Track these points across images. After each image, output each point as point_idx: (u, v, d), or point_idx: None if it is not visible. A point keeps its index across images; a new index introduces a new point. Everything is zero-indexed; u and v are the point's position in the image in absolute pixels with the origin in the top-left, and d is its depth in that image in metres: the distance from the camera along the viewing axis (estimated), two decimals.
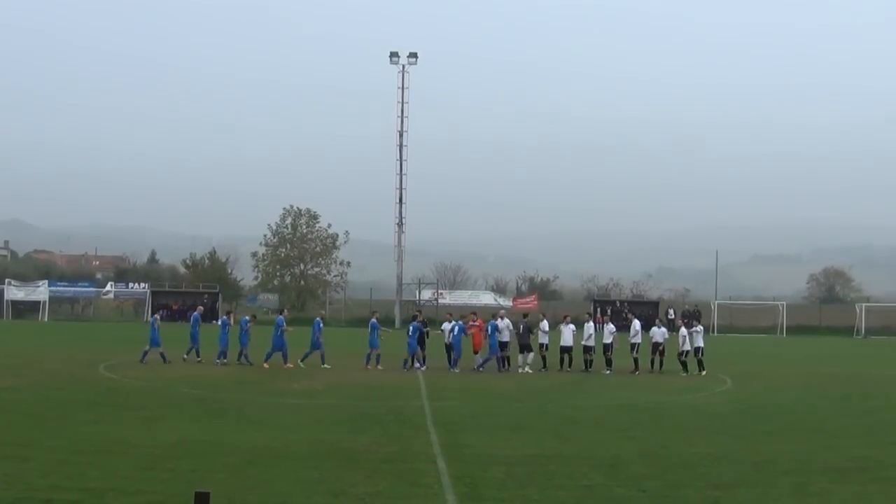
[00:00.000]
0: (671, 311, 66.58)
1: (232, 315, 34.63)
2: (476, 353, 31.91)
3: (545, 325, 32.70)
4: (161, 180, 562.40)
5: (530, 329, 32.05)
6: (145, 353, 31.64)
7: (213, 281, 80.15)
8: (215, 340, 32.22)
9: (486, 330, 31.83)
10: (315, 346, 31.42)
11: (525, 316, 33.69)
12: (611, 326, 33.17)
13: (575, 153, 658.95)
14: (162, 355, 31.50)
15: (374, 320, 32.66)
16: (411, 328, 32.30)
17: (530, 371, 31.05)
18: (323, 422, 18.70)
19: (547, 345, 32.14)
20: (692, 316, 58.69)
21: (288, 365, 30.64)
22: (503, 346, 31.65)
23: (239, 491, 12.00)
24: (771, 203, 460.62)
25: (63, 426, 17.27)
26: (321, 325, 32.13)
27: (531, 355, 31.54)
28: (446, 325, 32.63)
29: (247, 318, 33.56)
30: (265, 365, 30.57)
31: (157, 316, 33.53)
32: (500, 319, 32.40)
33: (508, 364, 31.62)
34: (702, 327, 33.76)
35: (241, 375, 28.11)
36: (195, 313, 33.98)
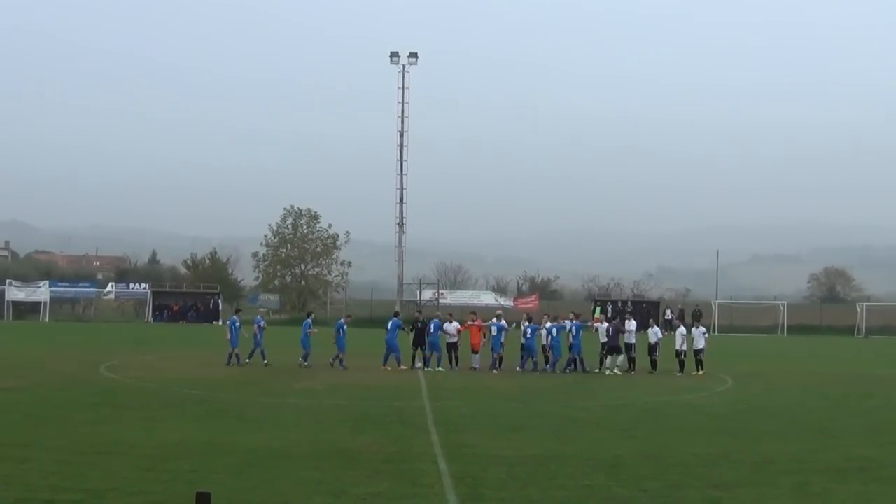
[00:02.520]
0: (668, 312, 66.54)
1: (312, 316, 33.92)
2: (475, 352, 31.93)
3: (632, 325, 32.89)
4: (162, 181, 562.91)
5: (619, 331, 32.06)
6: (238, 358, 31.22)
7: (213, 281, 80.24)
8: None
9: (492, 330, 31.89)
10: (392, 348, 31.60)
11: (614, 318, 33.64)
12: (605, 325, 33.07)
13: (575, 153, 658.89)
14: (230, 356, 31.15)
15: (342, 321, 32.48)
16: (433, 326, 32.20)
17: (619, 373, 30.89)
18: (324, 422, 18.70)
19: (634, 345, 32.17)
20: (694, 317, 58.70)
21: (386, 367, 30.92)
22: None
23: (240, 491, 12.01)
24: (771, 203, 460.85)
25: (64, 427, 17.27)
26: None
27: (621, 357, 31.53)
28: (448, 326, 32.62)
29: (260, 318, 33.30)
30: (386, 367, 30.95)
31: (236, 317, 32.53)
32: (495, 319, 32.57)
33: (500, 364, 31.65)
34: (704, 328, 33.67)
35: (242, 376, 28.11)
36: (308, 320, 33.19)
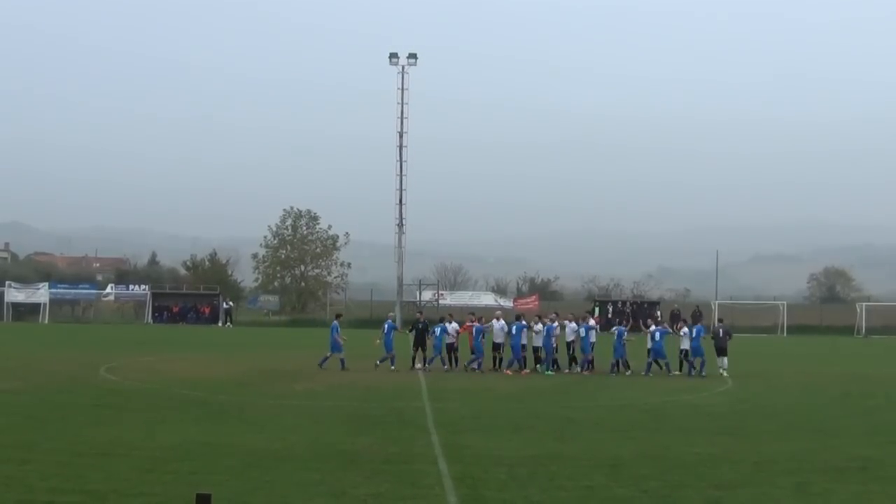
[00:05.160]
0: (659, 313, 66.59)
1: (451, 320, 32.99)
2: (473, 353, 31.94)
3: (591, 323, 33.03)
4: (161, 182, 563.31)
5: (728, 333, 32.48)
6: (325, 359, 30.87)
7: (213, 282, 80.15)
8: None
9: (511, 331, 31.91)
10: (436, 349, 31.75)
11: (721, 321, 34.28)
12: (573, 325, 32.88)
13: (574, 153, 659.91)
14: (342, 361, 30.73)
15: (387, 322, 32.41)
16: (438, 329, 32.15)
17: (726, 374, 31.01)
18: (324, 423, 18.70)
19: (594, 344, 32.19)
20: (693, 318, 58.61)
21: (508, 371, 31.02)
22: (496, 346, 31.91)
23: (240, 493, 12.01)
24: (771, 203, 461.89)
25: (64, 428, 17.28)
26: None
27: (724, 359, 31.75)
28: (449, 326, 32.63)
29: (390, 321, 32.95)
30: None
31: (337, 322, 32.10)
32: (495, 320, 32.60)
33: (500, 364, 31.73)
34: (685, 330, 33.47)
35: (242, 377, 28.10)
36: (389, 321, 32.89)
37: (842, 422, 20.28)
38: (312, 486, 12.50)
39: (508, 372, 30.84)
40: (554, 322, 32.25)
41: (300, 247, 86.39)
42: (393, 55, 70.76)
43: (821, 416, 21.32)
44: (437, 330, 32.03)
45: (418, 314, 36.45)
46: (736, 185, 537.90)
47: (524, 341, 31.57)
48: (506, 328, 32.37)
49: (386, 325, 32.30)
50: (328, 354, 31.04)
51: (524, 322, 32.16)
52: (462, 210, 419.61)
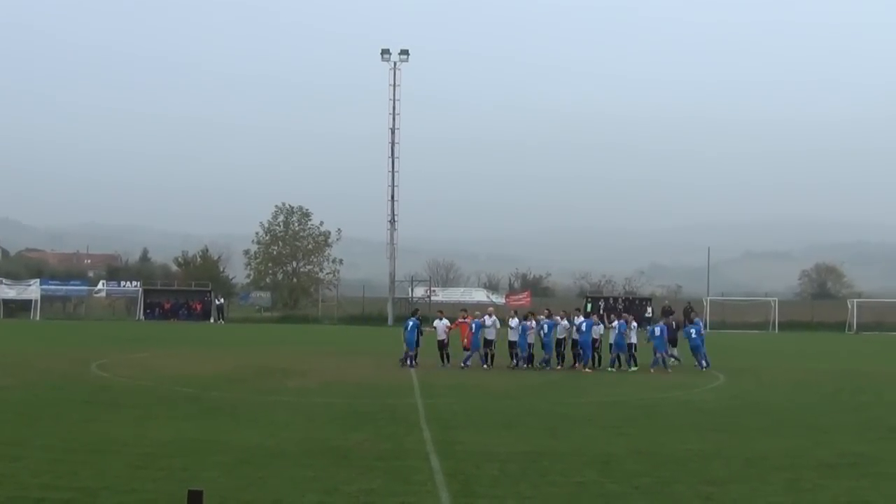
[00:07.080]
0: (650, 310, 66.71)
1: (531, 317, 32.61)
2: (466, 349, 31.92)
3: (580, 320, 32.67)
4: (154, 179, 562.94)
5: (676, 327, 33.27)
6: (411, 360, 30.79)
7: (205, 279, 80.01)
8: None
9: (471, 326, 31.79)
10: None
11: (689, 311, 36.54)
12: (564, 322, 32.86)
13: (567, 150, 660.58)
14: (409, 357, 30.72)
15: (416, 319, 32.16)
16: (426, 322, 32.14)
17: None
18: (316, 420, 18.68)
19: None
20: (685, 314, 58.64)
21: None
22: (488, 343, 31.80)
23: (232, 489, 11.99)
24: (763, 200, 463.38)
25: (55, 425, 17.22)
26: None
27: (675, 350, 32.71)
28: (438, 323, 32.61)
29: (487, 317, 32.26)
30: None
31: (417, 319, 31.95)
32: (487, 316, 32.50)
33: (492, 361, 31.65)
34: (643, 327, 33.47)
35: (234, 374, 28.07)
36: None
37: (833, 418, 20.33)
38: (305, 483, 12.49)
39: (588, 370, 30.92)
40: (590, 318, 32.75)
41: (292, 243, 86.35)
42: (385, 52, 70.80)
43: (812, 413, 21.36)
44: (410, 324, 31.93)
45: (416, 310, 36.39)
46: (728, 183, 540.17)
47: (594, 336, 31.64)
48: (497, 324, 32.24)
49: (474, 324, 31.73)
50: (409, 352, 31.06)
51: (594, 318, 32.30)
52: (454, 207, 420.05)
